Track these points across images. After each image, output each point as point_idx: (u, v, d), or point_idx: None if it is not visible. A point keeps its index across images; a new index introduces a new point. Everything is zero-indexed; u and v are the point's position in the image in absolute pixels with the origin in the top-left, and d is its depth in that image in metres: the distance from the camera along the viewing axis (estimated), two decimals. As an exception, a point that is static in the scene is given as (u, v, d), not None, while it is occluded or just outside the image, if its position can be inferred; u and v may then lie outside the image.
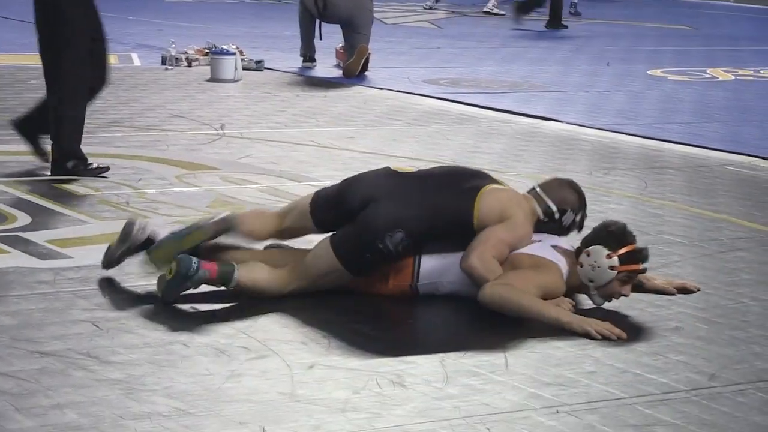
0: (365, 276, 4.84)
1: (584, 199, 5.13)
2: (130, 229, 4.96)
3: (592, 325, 4.53)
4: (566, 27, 16.76)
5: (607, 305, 4.86)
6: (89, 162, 6.81)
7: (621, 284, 4.80)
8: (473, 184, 4.92)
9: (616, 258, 4.78)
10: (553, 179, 5.23)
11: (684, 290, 5.09)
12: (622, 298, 4.84)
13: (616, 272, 4.77)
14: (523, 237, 4.89)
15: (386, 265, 4.81)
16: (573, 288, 4.86)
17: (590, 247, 4.81)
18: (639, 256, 4.82)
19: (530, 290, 4.65)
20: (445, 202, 4.85)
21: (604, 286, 4.80)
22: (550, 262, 4.80)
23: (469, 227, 4.82)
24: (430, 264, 4.84)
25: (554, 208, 5.02)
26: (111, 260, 4.98)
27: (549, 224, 5.03)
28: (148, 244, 4.93)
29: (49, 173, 6.77)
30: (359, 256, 4.76)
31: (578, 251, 4.86)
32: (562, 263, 4.83)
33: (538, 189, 5.10)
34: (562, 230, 5.07)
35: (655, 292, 5.05)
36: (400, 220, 4.75)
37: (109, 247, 5.02)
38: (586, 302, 4.91)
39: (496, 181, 5.03)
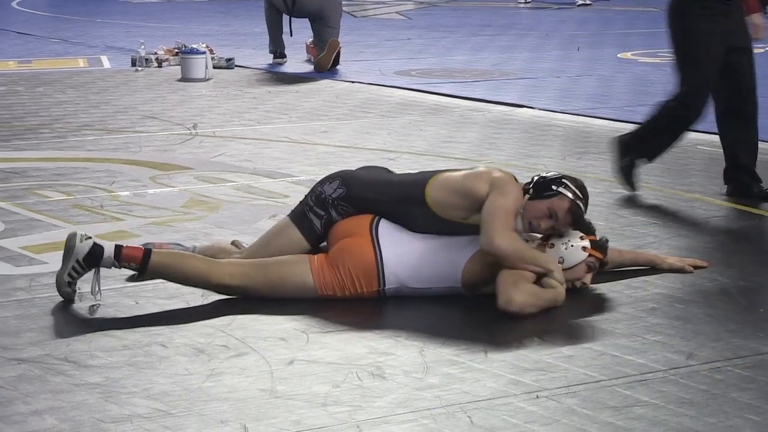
0: (315, 237, 4.82)
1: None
2: (72, 243, 4.62)
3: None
4: None
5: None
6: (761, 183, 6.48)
7: (586, 269, 4.82)
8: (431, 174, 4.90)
9: (588, 241, 4.81)
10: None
11: (695, 267, 5.14)
12: (598, 283, 4.86)
13: (587, 254, 4.80)
14: (518, 196, 4.71)
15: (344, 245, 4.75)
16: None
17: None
18: (603, 247, 4.87)
19: (526, 278, 4.63)
20: (398, 180, 4.89)
21: (572, 268, 4.80)
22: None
23: (420, 197, 4.77)
24: (394, 265, 4.72)
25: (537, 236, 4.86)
26: (62, 283, 4.64)
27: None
28: (96, 254, 4.61)
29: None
30: (302, 204, 4.89)
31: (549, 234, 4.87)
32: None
33: None
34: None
35: (670, 270, 5.08)
36: (343, 173, 4.94)
37: (57, 277, 4.66)
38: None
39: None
